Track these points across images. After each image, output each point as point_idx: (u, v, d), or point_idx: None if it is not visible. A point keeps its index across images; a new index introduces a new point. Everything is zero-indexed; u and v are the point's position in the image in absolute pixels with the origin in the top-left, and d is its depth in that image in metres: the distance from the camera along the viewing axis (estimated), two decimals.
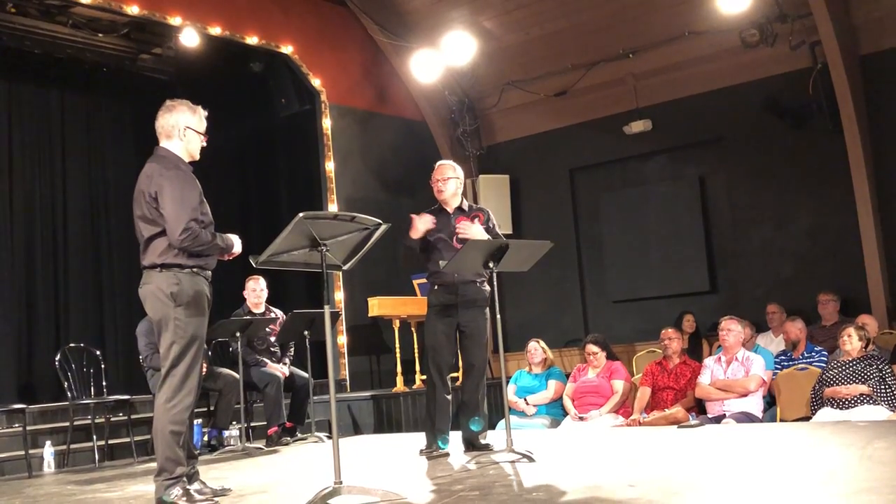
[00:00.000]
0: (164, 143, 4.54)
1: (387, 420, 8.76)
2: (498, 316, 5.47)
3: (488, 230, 5.90)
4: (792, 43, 9.32)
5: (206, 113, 4.64)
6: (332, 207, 10.18)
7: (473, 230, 5.67)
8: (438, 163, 6.14)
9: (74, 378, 7.39)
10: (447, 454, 5.72)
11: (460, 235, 5.67)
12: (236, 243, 4.61)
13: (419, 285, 9.80)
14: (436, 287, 5.87)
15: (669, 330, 7.70)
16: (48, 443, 7.19)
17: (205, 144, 4.62)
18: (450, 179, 5.93)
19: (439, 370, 5.80)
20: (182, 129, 4.50)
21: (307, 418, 7.90)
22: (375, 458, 6.27)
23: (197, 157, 4.61)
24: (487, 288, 5.83)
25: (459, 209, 5.96)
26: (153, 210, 4.35)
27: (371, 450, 6.87)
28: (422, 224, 5.72)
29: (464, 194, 6.10)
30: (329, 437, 6.23)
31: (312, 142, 10.60)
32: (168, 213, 4.29)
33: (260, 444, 7.52)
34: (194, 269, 4.39)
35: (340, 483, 4.06)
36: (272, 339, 7.93)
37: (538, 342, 8.14)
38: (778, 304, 8.96)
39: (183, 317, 4.31)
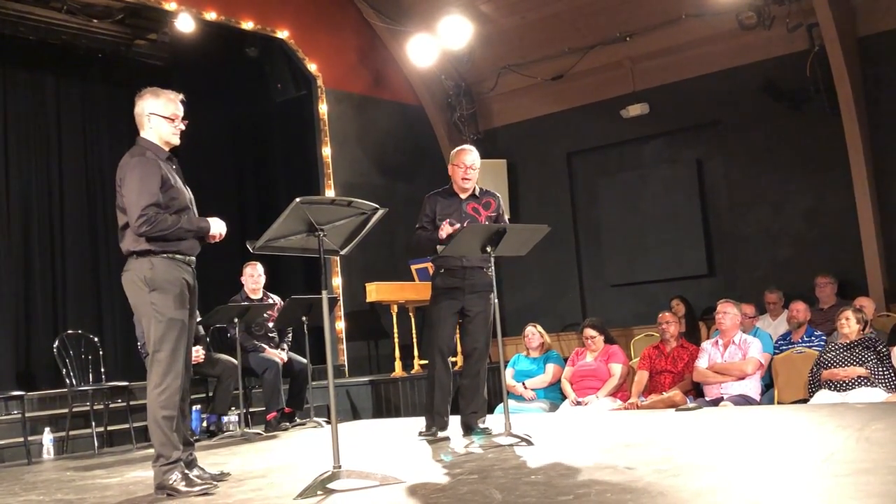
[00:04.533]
0: (141, 134, 4.49)
1: (385, 405, 8.78)
2: (497, 300, 5.48)
3: (497, 219, 5.88)
4: (789, 25, 9.29)
5: (180, 95, 4.51)
6: (330, 193, 10.17)
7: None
8: (467, 149, 5.92)
9: (73, 365, 7.40)
10: (447, 438, 5.72)
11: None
12: (214, 225, 4.49)
13: (417, 270, 9.80)
14: (442, 271, 5.84)
15: (667, 314, 7.71)
16: (47, 429, 7.20)
17: (182, 127, 4.50)
18: (477, 170, 5.87)
19: (441, 353, 5.79)
20: (147, 115, 4.43)
21: (306, 403, 7.92)
22: (374, 443, 6.29)
23: (173, 142, 4.49)
24: (492, 274, 5.81)
25: (472, 195, 5.92)
26: (121, 198, 4.34)
27: (370, 434, 6.89)
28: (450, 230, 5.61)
29: None
30: (328, 422, 6.25)
31: (309, 127, 10.58)
32: (127, 200, 4.28)
33: (259, 429, 7.53)
34: (168, 255, 4.34)
35: (339, 467, 4.07)
36: (270, 324, 7.94)
37: (535, 326, 8.14)
38: (777, 290, 8.91)
39: (158, 301, 4.28)
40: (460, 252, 5.53)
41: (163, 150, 4.46)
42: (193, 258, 4.49)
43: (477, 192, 5.93)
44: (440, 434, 5.78)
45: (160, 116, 4.43)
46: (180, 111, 4.49)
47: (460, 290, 5.78)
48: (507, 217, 6.04)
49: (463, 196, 5.88)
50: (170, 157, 4.49)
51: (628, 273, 10.85)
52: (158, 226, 4.25)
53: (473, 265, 5.75)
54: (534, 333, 8.11)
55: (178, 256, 4.38)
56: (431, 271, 6.34)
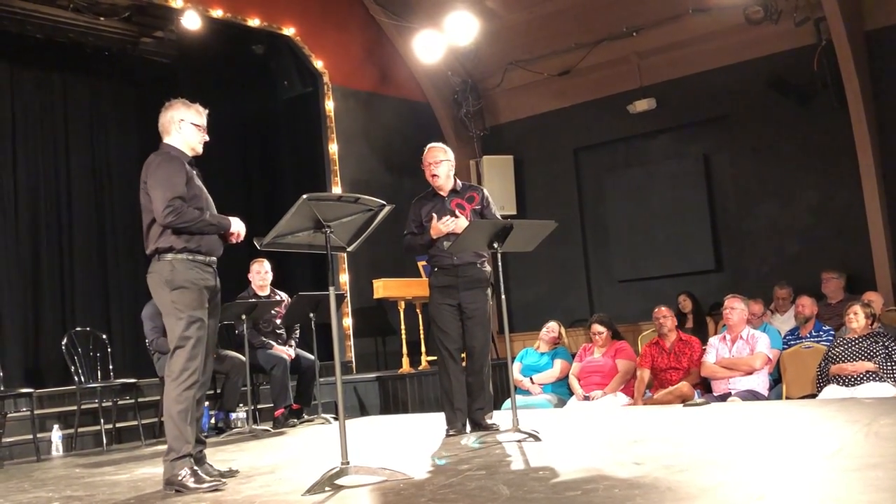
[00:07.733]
0: (165, 140, 4.64)
1: (392, 401, 8.79)
2: (503, 296, 5.47)
3: (482, 212, 5.87)
4: (796, 19, 9.26)
5: (206, 111, 4.72)
6: (336, 189, 10.18)
7: (459, 223, 5.63)
8: (428, 146, 6.01)
9: (81, 362, 7.42)
10: (466, 434, 5.70)
11: (444, 230, 5.63)
12: (235, 223, 4.63)
13: (423, 267, 9.80)
14: (436, 269, 5.85)
15: (662, 308, 7.61)
16: (56, 426, 7.23)
17: (206, 139, 4.70)
18: (442, 163, 5.87)
19: (449, 350, 5.78)
20: (178, 122, 4.60)
21: (313, 400, 7.93)
22: (382, 439, 6.29)
23: (199, 150, 4.68)
24: (488, 269, 5.80)
25: (453, 191, 5.92)
26: (146, 195, 4.46)
27: (377, 431, 6.90)
28: (443, 228, 5.66)
29: (464, 176, 6.04)
30: (335, 419, 6.26)
31: (315, 124, 10.58)
32: (154, 193, 4.41)
33: (267, 426, 7.54)
34: (188, 256, 4.45)
35: (347, 463, 4.08)
36: (278, 321, 7.95)
37: (559, 324, 8.21)
38: (787, 286, 8.87)
39: (178, 299, 4.40)
40: (467, 249, 5.54)
41: (187, 154, 4.62)
42: (215, 259, 4.60)
43: (459, 188, 5.94)
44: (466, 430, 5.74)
45: (191, 123, 4.62)
46: (205, 124, 4.70)
47: (454, 288, 5.77)
48: (494, 209, 6.01)
49: (444, 194, 5.89)
50: (192, 163, 4.64)
51: (636, 269, 10.84)
52: (183, 216, 4.38)
53: (465, 261, 5.74)
54: (553, 329, 8.15)
55: (199, 257, 4.49)
56: None
